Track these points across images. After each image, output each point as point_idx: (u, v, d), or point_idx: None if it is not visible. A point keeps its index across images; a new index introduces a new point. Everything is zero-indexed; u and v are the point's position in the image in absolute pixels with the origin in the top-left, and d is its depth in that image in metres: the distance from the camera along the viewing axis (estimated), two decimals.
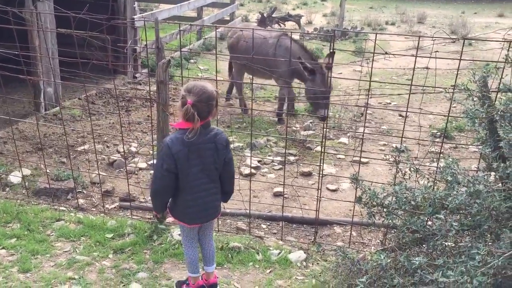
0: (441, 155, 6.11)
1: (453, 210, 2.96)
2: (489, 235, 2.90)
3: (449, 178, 3.02)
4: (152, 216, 4.42)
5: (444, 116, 3.71)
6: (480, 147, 3.37)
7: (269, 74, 6.69)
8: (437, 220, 2.73)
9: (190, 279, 3.40)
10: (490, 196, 2.79)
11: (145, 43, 3.89)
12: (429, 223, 3.17)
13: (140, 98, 7.89)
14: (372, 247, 4.27)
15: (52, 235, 4.17)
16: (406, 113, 3.78)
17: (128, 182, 4.61)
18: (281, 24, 17.48)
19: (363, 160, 6.09)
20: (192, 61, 11.43)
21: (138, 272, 3.69)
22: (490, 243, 2.86)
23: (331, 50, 4.14)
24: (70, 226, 4.28)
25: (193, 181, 3.07)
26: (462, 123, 7.00)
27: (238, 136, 6.79)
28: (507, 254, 2.50)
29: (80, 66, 4.09)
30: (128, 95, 8.28)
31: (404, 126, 3.90)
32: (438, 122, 7.67)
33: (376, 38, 3.49)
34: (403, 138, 3.85)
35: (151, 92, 5.62)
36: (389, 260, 2.87)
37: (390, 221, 3.23)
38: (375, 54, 4.46)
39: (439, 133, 7.00)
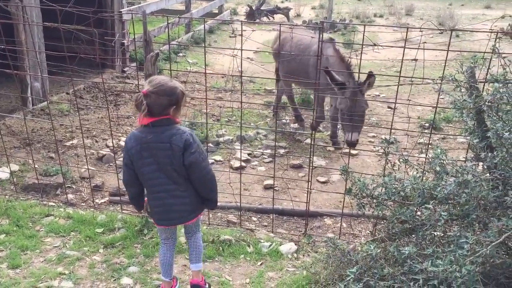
0: (429, 146, 6.17)
1: (442, 200, 2.99)
2: (477, 224, 2.93)
3: (438, 169, 3.05)
4: (142, 210, 4.40)
5: (432, 107, 3.73)
6: (468, 137, 3.40)
7: (311, 85, 5.97)
8: (426, 210, 2.75)
9: (162, 283, 3.32)
10: (478, 186, 2.82)
11: (133, 36, 3.84)
12: (418, 213, 3.20)
13: (129, 92, 7.83)
14: (363, 238, 4.31)
15: (42, 230, 4.14)
16: (395, 105, 3.80)
17: (117, 176, 4.58)
18: (270, 17, 17.44)
19: (352, 152, 6.13)
20: (180, 54, 11.37)
21: (129, 266, 3.69)
22: (478, 232, 2.90)
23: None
24: (59, 222, 4.25)
25: (150, 180, 2.95)
26: (450, 114, 7.05)
27: (228, 129, 6.78)
28: (495, 243, 2.53)
29: (67, 60, 4.05)
30: (116, 89, 8.22)
31: (393, 118, 3.91)
32: (426, 113, 7.71)
33: (364, 30, 3.49)
34: (392, 130, 3.87)
35: (140, 86, 5.58)
36: (379, 250, 2.89)
37: (380, 212, 3.26)
38: (364, 46, 4.48)
39: (427, 124, 7.05)
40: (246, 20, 16.02)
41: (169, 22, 10.39)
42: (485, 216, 2.84)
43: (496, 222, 2.64)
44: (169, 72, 4.28)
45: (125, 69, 9.33)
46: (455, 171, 2.82)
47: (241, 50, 3.74)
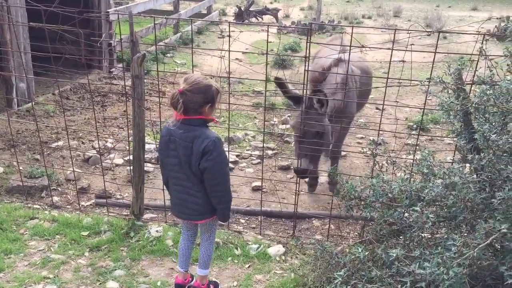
0: (417, 147, 6.19)
1: (429, 202, 2.98)
2: (464, 226, 2.94)
3: (425, 170, 3.04)
4: (129, 213, 4.35)
5: (420, 108, 3.73)
6: (455, 139, 3.41)
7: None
8: (414, 212, 2.75)
9: (177, 273, 3.44)
10: (465, 188, 2.82)
11: (119, 37, 3.80)
12: (406, 215, 3.20)
13: (116, 93, 7.76)
14: (351, 240, 4.30)
15: (26, 234, 4.07)
16: (383, 106, 3.79)
17: (104, 178, 4.52)
18: (259, 18, 17.43)
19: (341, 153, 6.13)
20: (169, 55, 11.31)
21: (115, 270, 3.64)
22: (465, 234, 2.90)
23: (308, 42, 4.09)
24: (44, 225, 4.18)
25: (171, 171, 3.08)
26: (437, 116, 7.08)
27: (216, 131, 6.73)
28: (482, 245, 2.53)
29: (52, 60, 3.99)
30: (103, 90, 8.14)
31: (380, 119, 3.91)
32: (414, 114, 7.74)
33: (352, 31, 3.48)
34: (380, 131, 3.87)
35: (127, 87, 5.52)
36: (366, 253, 2.88)
37: (368, 214, 3.25)
38: (352, 48, 4.47)
39: (415, 126, 7.08)
40: (234, 21, 15.99)
41: (156, 22, 10.34)
42: (472, 218, 2.84)
43: (483, 224, 2.64)
44: (156, 73, 4.24)
45: (112, 70, 9.25)
46: (442, 173, 2.81)
47: (229, 51, 3.71)
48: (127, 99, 4.51)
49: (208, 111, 2.95)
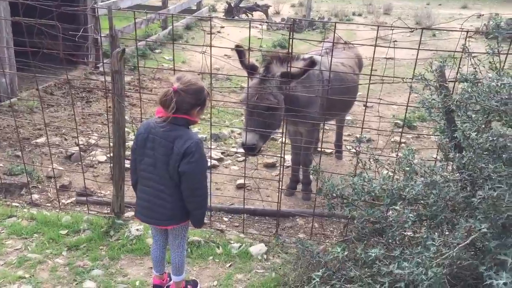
0: (403, 145, 6.16)
1: (410, 201, 2.95)
2: (445, 225, 2.90)
3: (407, 168, 3.01)
4: (109, 211, 4.27)
5: (404, 106, 3.70)
6: (437, 134, 3.37)
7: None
8: (394, 212, 2.71)
9: (154, 275, 3.35)
10: (447, 187, 2.79)
11: (103, 32, 3.71)
12: (389, 213, 3.16)
13: (96, 89, 7.63)
14: (334, 238, 4.26)
15: (3, 232, 3.98)
16: (366, 103, 3.75)
17: (84, 175, 4.43)
18: (249, 14, 17.34)
19: (327, 150, 6.09)
20: (157, 51, 11.19)
21: (93, 269, 3.56)
22: (447, 233, 2.87)
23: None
24: (22, 223, 4.10)
25: (143, 171, 2.95)
26: (423, 113, 7.06)
27: (202, 127, 6.68)
28: (462, 245, 2.49)
29: (29, 55, 3.90)
30: (89, 86, 8.03)
31: (364, 116, 3.85)
32: (401, 111, 7.72)
33: (335, 27, 3.43)
34: (366, 129, 3.83)
35: (107, 83, 5.43)
36: (346, 253, 2.83)
37: (350, 212, 3.21)
38: (337, 45, 4.42)
39: (401, 123, 7.05)
40: (222, 17, 15.90)
41: (144, 18, 10.22)
42: (453, 217, 2.81)
43: (464, 223, 2.61)
44: (144, 69, 4.16)
45: (99, 65, 9.13)
46: (423, 171, 2.77)
47: (210, 47, 3.65)
48: (107, 95, 4.39)
49: (196, 114, 2.87)
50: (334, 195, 3.39)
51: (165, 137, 2.82)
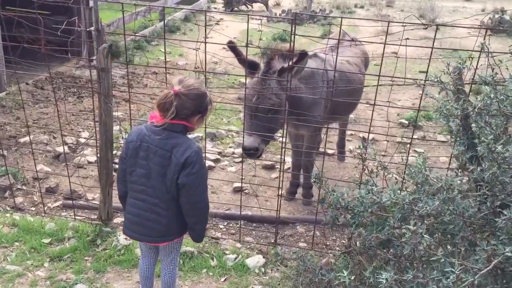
0: (410, 146, 5.87)
1: (423, 217, 2.67)
2: (463, 248, 2.63)
3: (419, 180, 2.72)
4: (97, 217, 4.00)
5: (414, 110, 3.41)
6: (452, 140, 3.09)
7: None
8: (406, 231, 2.42)
9: None
10: (465, 202, 2.51)
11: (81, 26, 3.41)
12: (397, 230, 2.89)
13: (82, 87, 7.29)
14: (337, 248, 3.99)
15: None
16: (374, 104, 3.45)
17: (69, 179, 4.13)
18: (248, 6, 16.99)
19: (329, 151, 5.81)
20: (154, 43, 10.88)
21: (76, 283, 3.29)
22: (464, 253, 2.60)
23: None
24: (3, 230, 3.83)
25: (135, 183, 2.64)
26: (430, 113, 6.78)
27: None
28: (483, 271, 2.22)
29: (9, 50, 3.61)
30: (77, 82, 7.72)
31: (371, 118, 3.56)
32: (406, 109, 7.44)
33: (341, 23, 3.13)
34: (371, 128, 3.55)
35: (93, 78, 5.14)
36: (353, 277, 2.56)
37: (355, 226, 2.93)
38: (341, 41, 4.12)
39: (407, 122, 6.77)
40: (217, 11, 15.56)
41: (141, 10, 9.86)
42: (471, 235, 2.54)
43: (485, 246, 2.34)
44: (126, 64, 3.87)
45: (93, 58, 8.81)
46: (440, 186, 2.49)
47: (205, 42, 3.35)
48: (92, 93, 4.07)
49: (196, 122, 2.60)
50: (338, 206, 3.12)
51: (162, 146, 2.52)
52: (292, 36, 3.35)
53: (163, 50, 10.47)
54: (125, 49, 3.77)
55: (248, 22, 3.32)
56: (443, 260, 2.28)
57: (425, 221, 2.72)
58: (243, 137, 3.79)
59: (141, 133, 2.60)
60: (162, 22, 12.36)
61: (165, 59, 3.71)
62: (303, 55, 3.59)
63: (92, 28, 8.39)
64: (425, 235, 2.35)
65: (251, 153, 3.78)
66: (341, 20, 3.14)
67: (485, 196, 2.55)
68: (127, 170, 2.66)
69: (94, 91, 3.62)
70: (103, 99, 3.46)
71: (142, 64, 7.42)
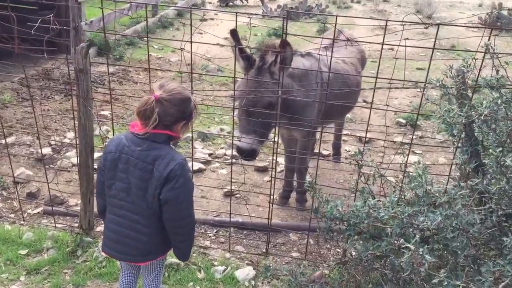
0: (406, 147, 5.67)
1: (423, 231, 2.48)
2: (466, 261, 2.44)
3: (420, 193, 2.53)
4: (77, 225, 3.78)
5: (413, 113, 3.21)
6: (454, 146, 2.90)
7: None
8: (406, 252, 2.22)
9: None
10: (469, 217, 2.31)
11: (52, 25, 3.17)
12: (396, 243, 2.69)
13: (55, 88, 7.01)
14: (332, 258, 3.79)
15: None
16: (371, 108, 3.23)
17: (48, 183, 3.88)
18: (244, 1, 16.72)
19: (324, 152, 5.61)
20: (146, 39, 10.63)
21: None
22: (467, 271, 2.41)
23: (284, 41, 3.39)
24: None
25: (113, 197, 2.43)
26: (428, 112, 6.58)
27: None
28: None
29: None
30: (71, 78, 7.46)
31: (369, 116, 3.34)
32: (403, 107, 7.25)
33: (336, 21, 2.92)
34: (368, 128, 3.36)
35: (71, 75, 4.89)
36: None
37: (349, 243, 2.74)
38: (337, 40, 3.91)
39: (404, 121, 6.58)
40: (204, 9, 15.30)
41: (124, 7, 9.59)
42: (476, 255, 2.34)
43: (491, 267, 2.15)
44: (107, 63, 3.65)
45: (70, 58, 8.56)
46: (441, 202, 2.29)
47: (191, 42, 3.14)
48: (71, 92, 3.82)
49: (180, 129, 2.38)
50: (333, 217, 2.92)
51: (143, 158, 2.31)
52: (284, 35, 3.15)
53: (155, 46, 10.17)
54: (106, 47, 3.53)
55: (236, 20, 3.11)
56: (446, 283, 2.09)
57: (425, 234, 2.54)
58: (235, 139, 3.57)
59: (120, 143, 2.38)
60: (154, 17, 12.12)
61: (148, 60, 3.49)
62: (284, 43, 3.34)
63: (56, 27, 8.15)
64: (426, 255, 2.15)
65: (249, 153, 3.56)
66: (336, 18, 2.92)
67: (491, 210, 2.36)
68: (106, 183, 2.45)
69: (72, 93, 3.40)
70: (82, 102, 3.24)
71: (124, 64, 7.16)
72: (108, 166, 2.41)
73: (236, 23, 3.10)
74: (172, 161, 2.28)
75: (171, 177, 2.26)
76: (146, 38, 3.42)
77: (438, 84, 2.46)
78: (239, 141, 3.58)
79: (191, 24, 3.15)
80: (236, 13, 3.13)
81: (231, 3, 16.42)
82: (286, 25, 3.03)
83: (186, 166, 2.33)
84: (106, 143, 2.52)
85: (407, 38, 2.81)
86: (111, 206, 2.46)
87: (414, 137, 6.15)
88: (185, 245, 2.48)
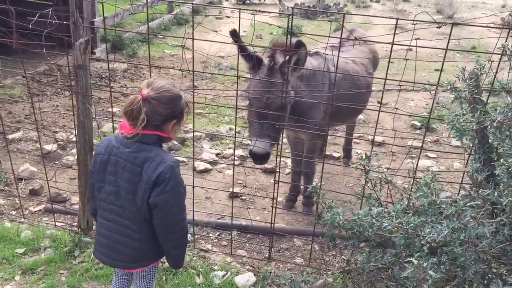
0: (419, 153, 5.49)
1: (431, 243, 2.33)
2: (475, 278, 2.28)
3: (426, 204, 2.38)
4: (76, 224, 3.71)
5: (425, 117, 3.05)
6: (467, 151, 2.74)
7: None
8: (410, 266, 2.08)
9: None
10: (478, 231, 2.16)
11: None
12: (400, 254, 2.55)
13: (53, 85, 6.94)
14: (336, 265, 3.65)
15: None
16: (379, 111, 3.08)
17: (48, 181, 3.80)
18: None
19: (334, 154, 5.46)
20: (160, 36, 10.57)
21: None
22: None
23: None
24: None
25: (103, 201, 2.34)
26: (444, 114, 6.37)
27: (198, 123, 6.07)
28: None
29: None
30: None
31: (378, 118, 3.19)
32: (419, 110, 7.05)
33: (343, 20, 2.78)
34: (381, 131, 3.21)
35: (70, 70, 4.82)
36: None
37: (352, 255, 2.60)
38: (346, 39, 3.78)
39: (419, 124, 6.39)
40: (216, 6, 15.20)
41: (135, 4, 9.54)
42: (485, 270, 2.19)
43: (500, 285, 2.00)
44: (107, 62, 3.56)
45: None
46: (450, 214, 2.15)
47: (192, 39, 3.04)
48: (71, 90, 3.71)
49: (171, 129, 2.28)
50: (336, 224, 2.79)
51: (131, 160, 2.21)
52: (289, 33, 3.02)
53: (169, 44, 10.11)
54: (106, 46, 3.44)
55: (239, 18, 2.99)
56: None
57: (433, 245, 2.39)
58: (248, 142, 3.46)
59: (109, 145, 2.28)
60: (169, 14, 12.06)
61: (149, 57, 3.39)
62: (299, 44, 3.22)
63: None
64: (430, 271, 2.01)
65: (262, 157, 3.44)
66: (344, 17, 2.79)
67: (503, 223, 2.20)
68: (95, 186, 2.36)
69: (72, 90, 3.32)
70: (81, 99, 3.16)
71: (123, 60, 7.09)
72: (97, 168, 2.32)
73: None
74: (161, 164, 2.17)
75: (160, 181, 2.16)
76: (151, 36, 3.31)
77: (449, 88, 2.30)
78: (253, 145, 3.45)
79: (193, 22, 3.04)
80: (240, 9, 3.01)
81: (248, 1, 16.29)
82: (292, 23, 2.90)
83: (176, 169, 2.22)
84: (97, 144, 2.43)
85: (419, 38, 2.66)
86: (101, 210, 2.37)
87: (429, 140, 5.98)
88: (176, 252, 2.37)
